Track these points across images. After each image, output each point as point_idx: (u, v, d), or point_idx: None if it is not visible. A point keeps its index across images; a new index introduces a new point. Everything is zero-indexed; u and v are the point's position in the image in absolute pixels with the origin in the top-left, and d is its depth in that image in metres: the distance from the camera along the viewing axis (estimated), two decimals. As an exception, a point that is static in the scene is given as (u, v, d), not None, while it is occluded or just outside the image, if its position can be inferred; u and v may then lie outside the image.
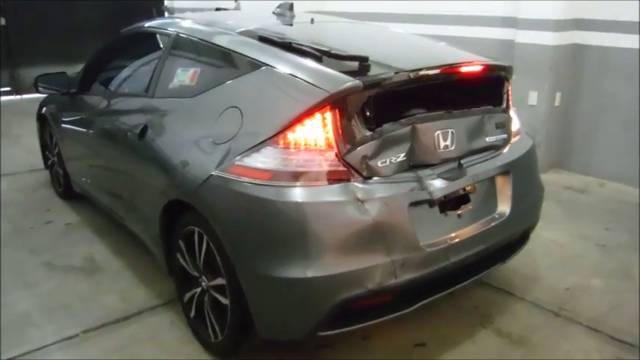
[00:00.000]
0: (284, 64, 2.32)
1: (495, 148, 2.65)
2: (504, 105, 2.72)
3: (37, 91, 3.98)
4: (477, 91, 2.62)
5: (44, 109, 4.42)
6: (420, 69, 2.29)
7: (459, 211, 2.44)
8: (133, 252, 3.55)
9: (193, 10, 8.88)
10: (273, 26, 2.94)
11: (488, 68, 2.56)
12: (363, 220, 2.10)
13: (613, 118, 4.80)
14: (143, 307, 2.94)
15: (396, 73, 2.21)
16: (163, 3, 10.18)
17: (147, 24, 3.45)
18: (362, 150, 2.16)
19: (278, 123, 2.16)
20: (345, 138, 2.14)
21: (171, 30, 3.04)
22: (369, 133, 2.18)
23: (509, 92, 2.76)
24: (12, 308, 2.95)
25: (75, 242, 3.75)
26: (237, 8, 8.04)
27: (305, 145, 2.14)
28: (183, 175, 2.42)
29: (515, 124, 2.82)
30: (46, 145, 4.62)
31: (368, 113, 2.17)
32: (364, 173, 2.16)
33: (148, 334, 2.72)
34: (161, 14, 10.07)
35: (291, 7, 3.17)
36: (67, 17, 9.16)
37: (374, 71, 2.22)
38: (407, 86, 2.26)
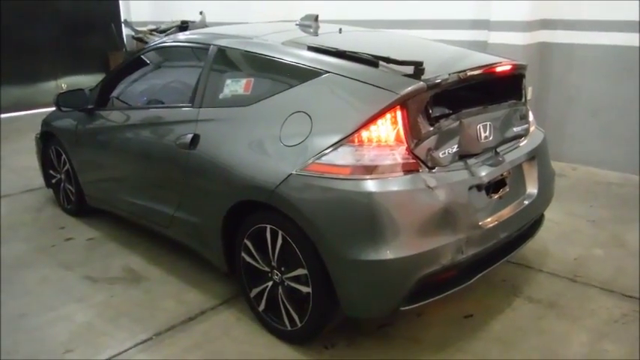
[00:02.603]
0: (347, 71, 2.57)
1: (520, 137, 3.01)
2: (524, 99, 3.08)
3: (59, 110, 4.02)
4: (502, 88, 2.96)
5: (50, 126, 4.43)
6: (467, 70, 2.60)
7: (500, 194, 2.78)
8: (168, 259, 3.68)
9: (155, 23, 8.94)
10: (309, 36, 3.16)
11: (515, 67, 2.91)
12: (435, 205, 2.40)
13: (580, 108, 5.34)
14: (204, 307, 3.09)
15: (450, 74, 2.51)
16: (120, 17, 10.08)
17: (172, 40, 3.59)
18: (427, 144, 2.45)
19: (352, 124, 2.41)
20: (413, 134, 2.42)
21: (207, 43, 3.20)
22: (431, 129, 2.47)
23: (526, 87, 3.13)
24: (73, 320, 3.02)
25: (105, 255, 3.82)
26: (203, 21, 8.17)
27: (378, 141, 2.40)
28: (256, 177, 2.61)
29: (531, 116, 3.19)
30: (50, 163, 4.61)
31: (429, 111, 2.47)
32: (429, 164, 2.45)
33: (219, 330, 2.88)
34: (119, 29, 10.01)
35: (316, 18, 3.41)
36: (25, 35, 8.94)
37: (427, 74, 2.49)
38: (455, 86, 2.57)
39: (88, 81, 8.94)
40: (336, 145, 2.40)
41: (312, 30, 3.37)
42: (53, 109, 4.33)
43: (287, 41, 2.99)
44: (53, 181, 4.67)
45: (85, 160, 4.13)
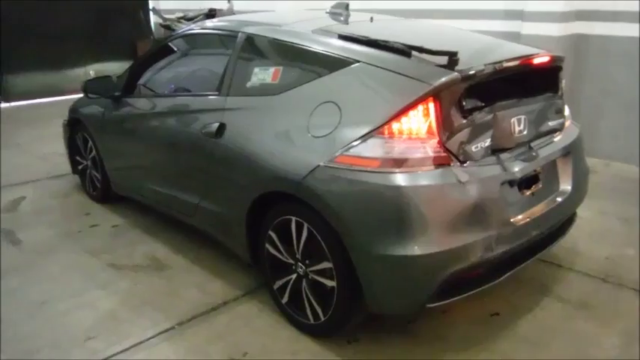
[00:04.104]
0: (378, 60, 2.50)
1: (555, 131, 2.91)
2: (560, 92, 2.98)
3: (87, 96, 4.03)
4: (537, 80, 2.86)
5: (78, 113, 4.45)
6: (503, 61, 2.52)
7: (532, 190, 2.69)
8: (192, 248, 3.67)
9: (183, 11, 8.93)
10: (339, 25, 3.11)
11: (553, 59, 2.80)
12: (466, 200, 2.32)
13: (614, 103, 5.18)
14: (226, 297, 3.08)
15: (486, 65, 2.43)
16: (148, 5, 10.11)
17: (199, 27, 3.56)
18: (459, 137, 2.38)
19: (382, 115, 2.35)
20: (445, 126, 2.35)
21: (235, 31, 3.16)
22: (464, 121, 2.40)
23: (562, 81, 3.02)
24: (96, 307, 3.03)
25: (129, 243, 3.83)
26: (231, 9, 8.13)
27: (409, 134, 2.33)
28: (282, 168, 2.57)
29: (567, 110, 3.09)
30: (77, 149, 4.63)
31: (462, 103, 2.39)
32: (461, 158, 2.38)
33: (241, 321, 2.86)
34: (147, 17, 10.04)
35: (347, 6, 3.34)
36: (53, 22, 9.01)
37: (461, 64, 2.41)
38: (490, 77, 2.48)
39: (116, 68, 8.97)
40: (365, 137, 2.34)
41: (342, 18, 3.30)
42: (81, 95, 4.35)
43: (317, 29, 2.93)
44: (79, 167, 4.70)
45: (111, 147, 4.14)
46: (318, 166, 2.40)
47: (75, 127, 4.56)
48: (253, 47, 3.05)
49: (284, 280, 2.77)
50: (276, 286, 2.84)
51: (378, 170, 2.29)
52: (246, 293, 3.12)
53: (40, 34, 8.91)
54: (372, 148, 2.32)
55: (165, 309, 2.99)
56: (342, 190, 2.34)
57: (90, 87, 3.98)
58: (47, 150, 6.06)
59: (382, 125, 2.33)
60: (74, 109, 4.55)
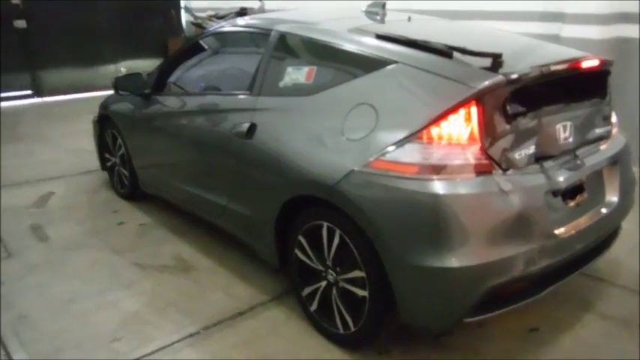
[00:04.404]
0: (418, 61, 2.39)
1: (602, 139, 2.76)
2: (608, 98, 2.83)
3: (117, 93, 4.00)
4: (583, 85, 2.72)
5: (108, 109, 4.42)
6: (550, 64, 2.38)
7: (577, 201, 2.55)
8: (218, 250, 3.60)
9: (215, 9, 8.92)
10: (375, 24, 3.01)
11: (602, 63, 2.65)
12: (508, 210, 2.20)
13: (658, 110, 4.94)
14: (253, 302, 3.00)
15: (532, 67, 2.30)
16: (180, 3, 10.13)
17: (231, 24, 3.49)
18: (502, 143, 2.25)
19: (421, 119, 2.23)
20: (488, 132, 2.22)
21: (268, 29, 3.08)
22: (507, 127, 2.27)
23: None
24: (121, 307, 2.99)
25: (155, 242, 3.78)
26: (262, 8, 8.09)
27: (449, 139, 2.21)
28: (314, 171, 2.47)
29: (614, 117, 2.93)
30: (106, 146, 4.61)
31: (507, 108, 2.26)
32: (503, 165, 2.25)
33: (268, 328, 2.78)
34: (179, 15, 10.08)
35: (383, 5, 3.23)
36: (86, 19, 9.08)
37: (505, 67, 2.28)
38: (536, 81, 2.35)
39: (147, 65, 8.98)
40: (402, 142, 2.23)
41: (379, 17, 3.20)
42: (111, 92, 4.33)
43: (353, 28, 2.83)
44: (108, 164, 4.68)
45: (139, 144, 4.10)
46: (353, 170, 2.30)
47: (105, 123, 4.54)
48: (287, 46, 2.97)
49: (313, 287, 2.68)
50: (304, 293, 2.75)
51: (415, 177, 2.18)
52: (273, 298, 3.04)
53: (74, 31, 8.98)
54: (410, 154, 2.21)
55: (190, 312, 2.92)
56: (377, 197, 2.24)
57: (120, 84, 3.95)
58: (77, 145, 6.07)
59: (421, 130, 2.22)
60: (104, 105, 4.52)
